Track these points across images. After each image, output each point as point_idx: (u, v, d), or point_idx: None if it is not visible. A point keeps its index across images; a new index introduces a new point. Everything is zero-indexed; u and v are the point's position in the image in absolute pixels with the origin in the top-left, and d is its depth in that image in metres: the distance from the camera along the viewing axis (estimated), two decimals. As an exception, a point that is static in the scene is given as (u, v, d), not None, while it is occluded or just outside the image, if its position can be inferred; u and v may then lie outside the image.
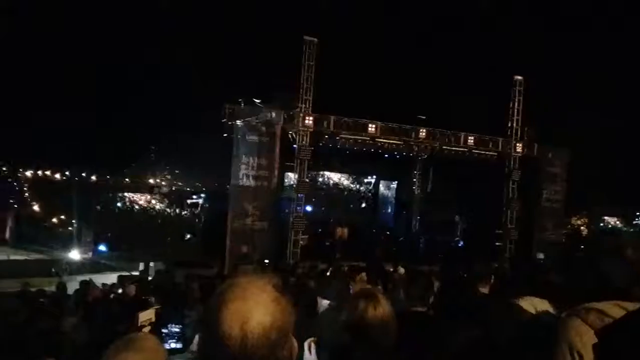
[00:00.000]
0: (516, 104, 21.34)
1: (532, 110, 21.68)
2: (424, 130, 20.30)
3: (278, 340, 1.11)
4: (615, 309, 1.46)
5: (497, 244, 21.82)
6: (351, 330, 2.18)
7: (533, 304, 2.20)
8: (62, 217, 45.47)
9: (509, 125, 21.47)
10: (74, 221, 37.92)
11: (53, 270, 19.78)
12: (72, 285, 10.20)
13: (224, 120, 17.91)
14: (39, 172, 60.51)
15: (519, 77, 21.51)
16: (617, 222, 40.28)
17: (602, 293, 1.54)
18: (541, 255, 20.20)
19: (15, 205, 48.91)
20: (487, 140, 21.32)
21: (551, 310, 2.10)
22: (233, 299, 1.11)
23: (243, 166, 17.78)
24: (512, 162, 21.34)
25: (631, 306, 1.47)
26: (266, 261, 16.60)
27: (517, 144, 21.26)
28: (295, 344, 1.20)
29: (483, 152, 21.40)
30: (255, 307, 1.10)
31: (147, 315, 3.46)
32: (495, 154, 21.48)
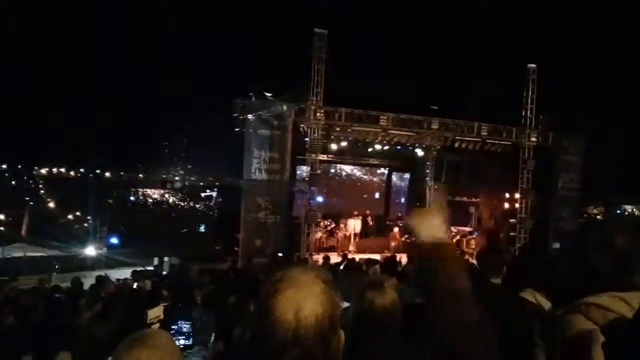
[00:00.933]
0: (530, 93, 21.06)
1: (546, 98, 21.39)
2: (436, 121, 20.11)
3: (328, 331, 1.15)
4: (614, 302, 1.42)
5: (511, 234, 21.66)
6: (360, 321, 2.16)
7: (534, 296, 2.18)
8: (78, 213, 45.98)
9: (523, 114, 21.22)
10: (89, 217, 38.29)
11: (57, 266, 20.00)
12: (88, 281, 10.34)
13: (236, 114, 17.89)
14: (54, 170, 61.08)
15: (532, 65, 21.18)
16: (635, 210, 39.77)
17: (593, 286, 1.49)
18: (557, 245, 20.03)
19: (31, 203, 49.55)
20: (501, 130, 21.04)
21: (547, 303, 2.07)
22: (287, 287, 1.15)
23: (255, 160, 17.77)
24: (526, 152, 21.10)
25: (630, 296, 1.43)
26: (280, 254, 16.64)
27: (532, 133, 21.01)
28: (343, 337, 1.22)
29: (497, 141, 21.16)
30: (309, 297, 1.14)
31: (155, 313, 3.47)
32: (510, 143, 21.24)
